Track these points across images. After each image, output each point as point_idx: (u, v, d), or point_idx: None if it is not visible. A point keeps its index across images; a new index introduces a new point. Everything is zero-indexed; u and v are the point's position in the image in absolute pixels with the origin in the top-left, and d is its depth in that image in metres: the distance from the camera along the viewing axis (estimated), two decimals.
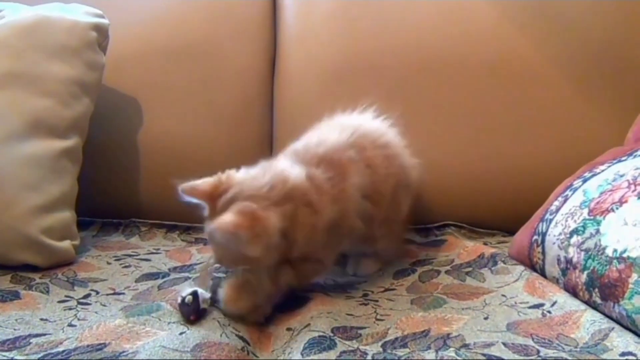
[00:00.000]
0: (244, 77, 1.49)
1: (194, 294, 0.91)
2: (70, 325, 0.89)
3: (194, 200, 0.97)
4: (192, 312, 0.90)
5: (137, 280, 1.09)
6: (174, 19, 1.50)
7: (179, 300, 0.92)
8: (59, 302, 0.98)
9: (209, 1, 1.52)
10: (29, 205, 1.13)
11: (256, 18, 1.54)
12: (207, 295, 0.94)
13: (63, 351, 0.81)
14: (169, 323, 0.89)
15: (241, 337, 0.87)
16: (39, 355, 0.80)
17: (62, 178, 1.19)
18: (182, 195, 0.97)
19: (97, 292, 1.03)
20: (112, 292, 1.03)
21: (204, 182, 0.97)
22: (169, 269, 1.15)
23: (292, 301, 1.01)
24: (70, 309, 0.95)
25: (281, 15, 1.54)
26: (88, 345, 0.82)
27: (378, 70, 1.45)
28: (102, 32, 1.30)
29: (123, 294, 1.02)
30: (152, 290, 1.04)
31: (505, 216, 1.37)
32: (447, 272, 1.13)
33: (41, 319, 0.91)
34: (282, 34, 1.53)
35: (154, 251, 1.26)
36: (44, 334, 0.86)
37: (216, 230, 0.91)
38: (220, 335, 0.86)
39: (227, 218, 0.90)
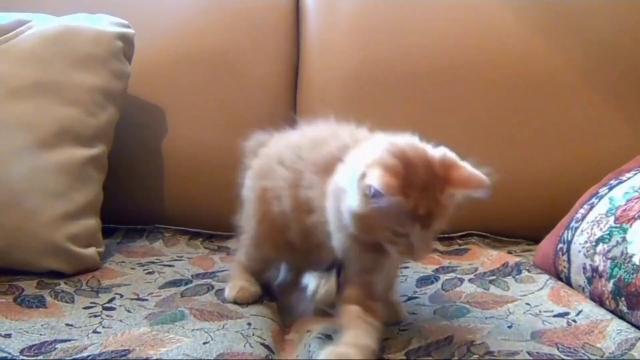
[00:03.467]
0: (267, 86, 1.50)
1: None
2: (95, 332, 0.90)
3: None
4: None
5: (160, 287, 1.10)
6: (198, 28, 1.51)
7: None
8: (84, 308, 0.99)
9: (232, 10, 1.53)
10: (55, 212, 1.14)
11: (279, 27, 1.55)
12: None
13: (88, 356, 0.81)
14: (192, 330, 0.89)
15: (266, 346, 0.87)
16: None
17: (87, 186, 1.20)
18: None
19: (122, 296, 1.04)
20: (135, 297, 1.04)
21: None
22: (192, 276, 1.15)
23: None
24: (95, 315, 0.96)
25: (304, 24, 1.55)
26: (112, 352, 0.83)
27: (400, 79, 1.45)
28: (127, 41, 1.32)
29: (146, 300, 1.03)
30: (175, 297, 1.04)
31: (530, 224, 1.36)
32: (470, 280, 1.12)
33: (66, 324, 0.92)
34: (305, 42, 1.53)
35: (177, 258, 1.27)
36: (69, 340, 0.87)
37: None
38: (244, 346, 0.85)
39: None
